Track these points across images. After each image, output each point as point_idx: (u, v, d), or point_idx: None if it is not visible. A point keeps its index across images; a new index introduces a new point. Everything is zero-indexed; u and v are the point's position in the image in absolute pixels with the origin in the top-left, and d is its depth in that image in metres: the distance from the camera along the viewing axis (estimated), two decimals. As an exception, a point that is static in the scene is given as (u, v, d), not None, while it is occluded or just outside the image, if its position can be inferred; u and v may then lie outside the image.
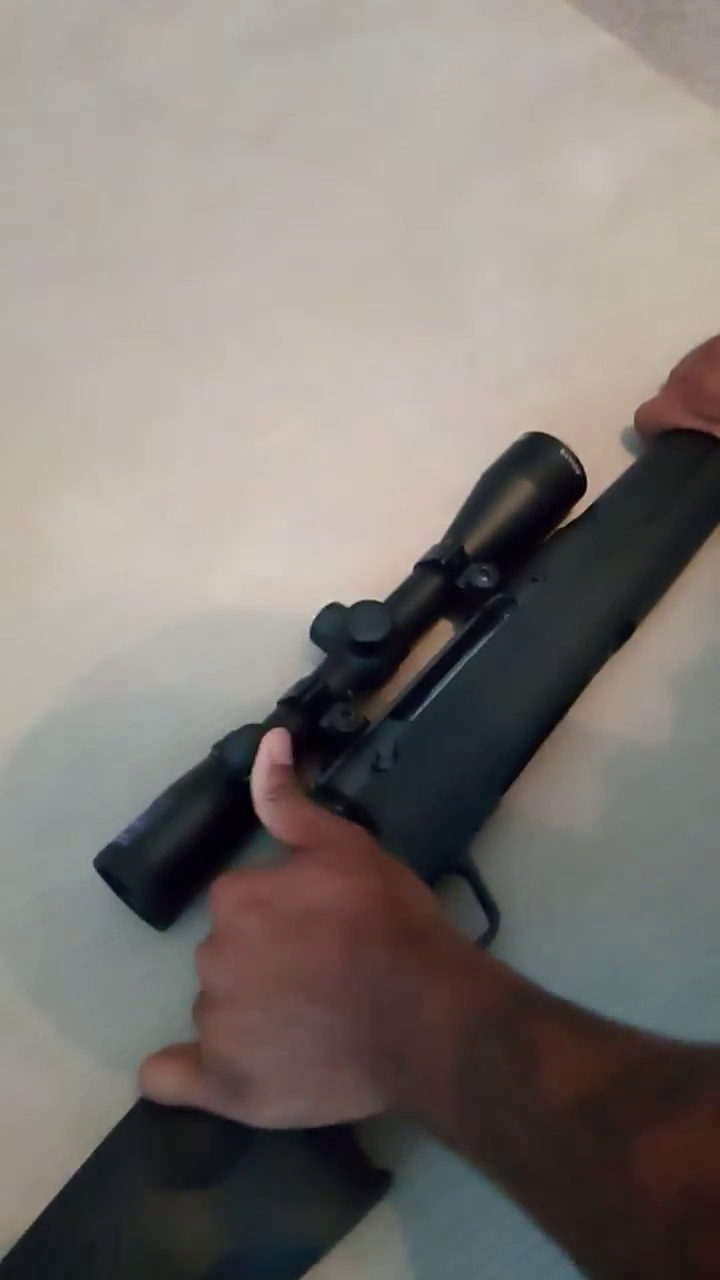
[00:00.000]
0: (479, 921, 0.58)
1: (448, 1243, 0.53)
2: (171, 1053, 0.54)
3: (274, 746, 0.58)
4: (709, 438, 0.70)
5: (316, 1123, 0.50)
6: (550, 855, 0.63)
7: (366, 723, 0.61)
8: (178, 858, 0.56)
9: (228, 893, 0.53)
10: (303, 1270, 0.51)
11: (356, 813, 0.58)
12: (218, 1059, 0.51)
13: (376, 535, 0.73)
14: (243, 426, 0.78)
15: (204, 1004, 0.52)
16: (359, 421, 0.79)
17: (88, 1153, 0.52)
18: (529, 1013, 0.46)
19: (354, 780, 0.59)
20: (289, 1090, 0.50)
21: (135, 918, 0.59)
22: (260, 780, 0.57)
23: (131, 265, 0.87)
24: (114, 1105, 0.54)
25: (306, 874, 0.52)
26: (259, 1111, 0.50)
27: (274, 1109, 0.50)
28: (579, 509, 0.70)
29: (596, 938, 0.61)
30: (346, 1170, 0.53)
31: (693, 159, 0.94)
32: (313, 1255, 0.51)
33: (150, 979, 0.57)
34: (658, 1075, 0.41)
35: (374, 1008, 0.48)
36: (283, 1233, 0.50)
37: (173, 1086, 0.53)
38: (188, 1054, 0.53)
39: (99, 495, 0.75)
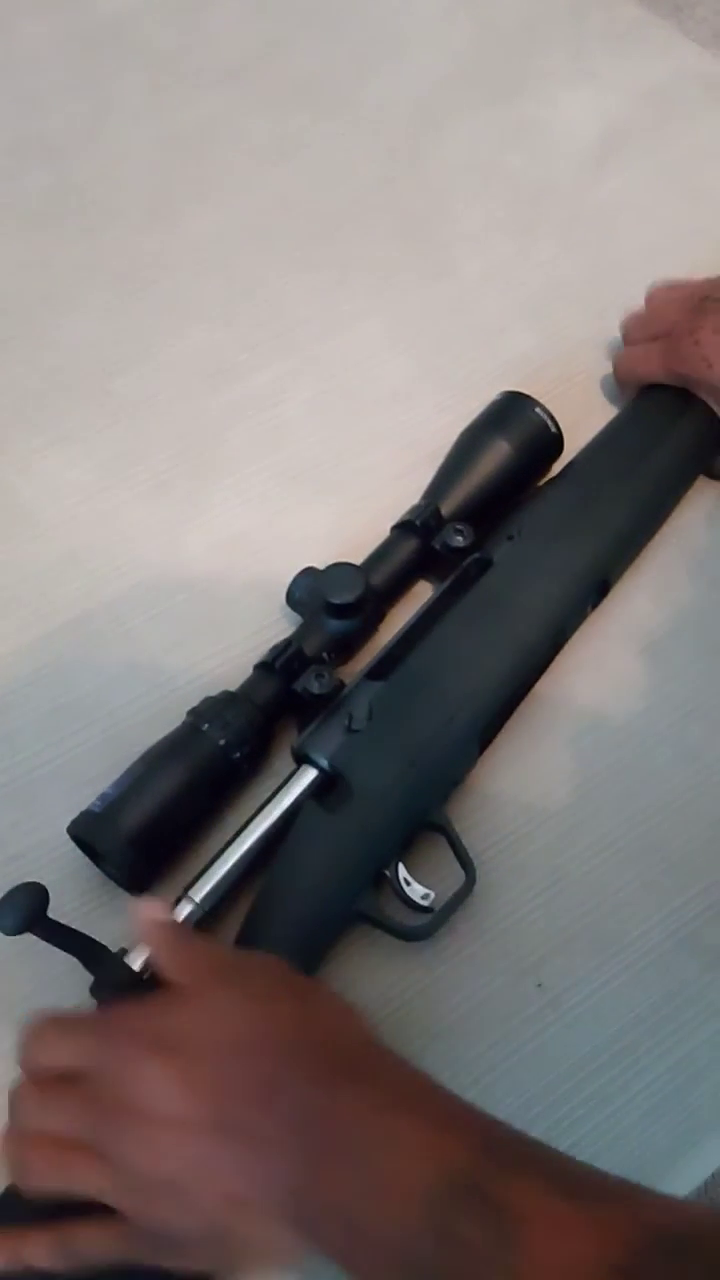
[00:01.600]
0: (456, 877, 0.59)
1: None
2: (72, 1227, 0.47)
3: (148, 910, 0.53)
4: (686, 392, 0.69)
5: (244, 1269, 0.48)
6: (526, 810, 0.63)
7: (342, 685, 0.61)
8: (151, 824, 0.56)
9: (121, 1035, 0.48)
10: None
11: (331, 775, 0.58)
12: (142, 1219, 0.45)
13: (354, 490, 0.72)
14: (217, 375, 0.77)
15: (117, 1162, 0.45)
16: (337, 370, 0.78)
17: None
18: (504, 1169, 0.41)
19: (328, 743, 0.59)
20: (222, 1242, 0.46)
21: (110, 880, 0.59)
22: (153, 933, 0.52)
23: (101, 208, 0.84)
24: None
25: (219, 1005, 0.48)
26: (191, 1264, 0.47)
27: (207, 1262, 0.47)
28: (558, 466, 0.69)
29: (574, 891, 0.61)
30: None
31: (680, 99, 0.92)
32: None
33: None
34: (668, 1273, 0.37)
35: (306, 1155, 0.43)
36: None
37: (94, 1250, 0.47)
38: (101, 1227, 0.47)
39: (69, 446, 0.74)
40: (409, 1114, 0.43)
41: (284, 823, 0.58)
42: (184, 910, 0.56)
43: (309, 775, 0.59)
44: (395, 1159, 0.42)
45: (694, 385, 0.69)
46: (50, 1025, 0.49)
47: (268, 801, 0.59)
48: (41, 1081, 0.48)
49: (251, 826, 0.58)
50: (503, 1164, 0.41)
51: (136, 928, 0.53)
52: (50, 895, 0.52)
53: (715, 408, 0.69)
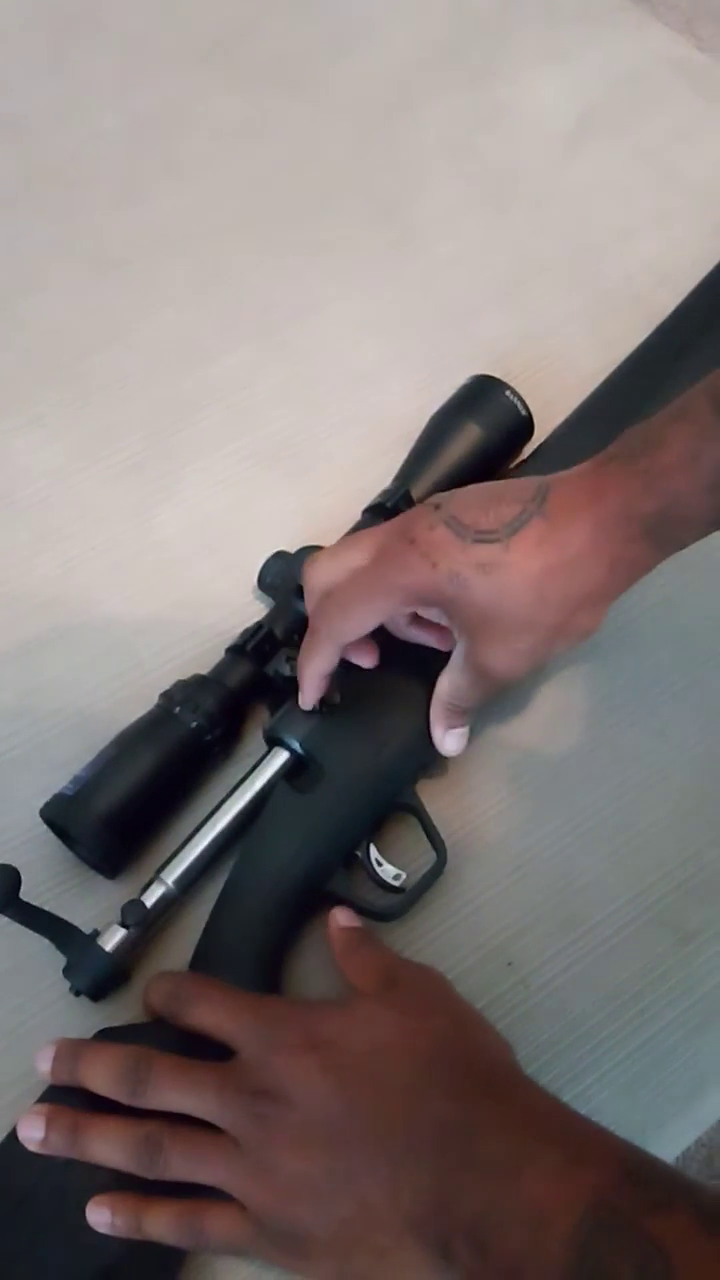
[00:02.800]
0: (427, 857, 0.59)
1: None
2: (200, 1208, 0.48)
3: (342, 918, 0.56)
4: (663, 375, 0.69)
5: None
6: (497, 790, 0.63)
7: (313, 668, 0.61)
8: (124, 807, 0.56)
9: (280, 1025, 0.49)
10: None
11: (303, 757, 0.59)
12: (272, 1217, 0.46)
13: (325, 472, 0.73)
14: (187, 356, 0.77)
15: (254, 1153, 0.47)
16: (308, 353, 0.78)
17: (37, 1094, 0.53)
18: (652, 1201, 0.40)
19: (299, 725, 0.59)
20: (347, 1252, 0.45)
21: (82, 863, 0.59)
22: (339, 936, 0.55)
23: (71, 189, 0.84)
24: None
25: (372, 1014, 0.49)
26: (314, 1270, 0.47)
27: (326, 1268, 0.47)
28: (529, 449, 0.69)
29: (545, 869, 0.62)
30: None
31: (652, 82, 0.92)
32: None
33: (100, 921, 0.57)
34: None
35: (444, 1170, 0.44)
36: None
37: (219, 1240, 0.48)
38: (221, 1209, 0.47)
39: (39, 428, 0.74)
40: (548, 1137, 0.44)
41: (256, 804, 0.58)
42: (156, 892, 0.56)
43: (281, 757, 0.59)
44: (535, 1183, 0.42)
45: (414, 597, 0.54)
46: (217, 989, 0.51)
47: (240, 784, 0.59)
48: (179, 1060, 0.49)
49: (224, 809, 0.58)
50: (648, 1196, 0.40)
51: (330, 929, 0.56)
52: (22, 878, 0.52)
53: (453, 624, 0.55)
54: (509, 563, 0.51)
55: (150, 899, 0.56)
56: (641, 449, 0.51)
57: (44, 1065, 0.51)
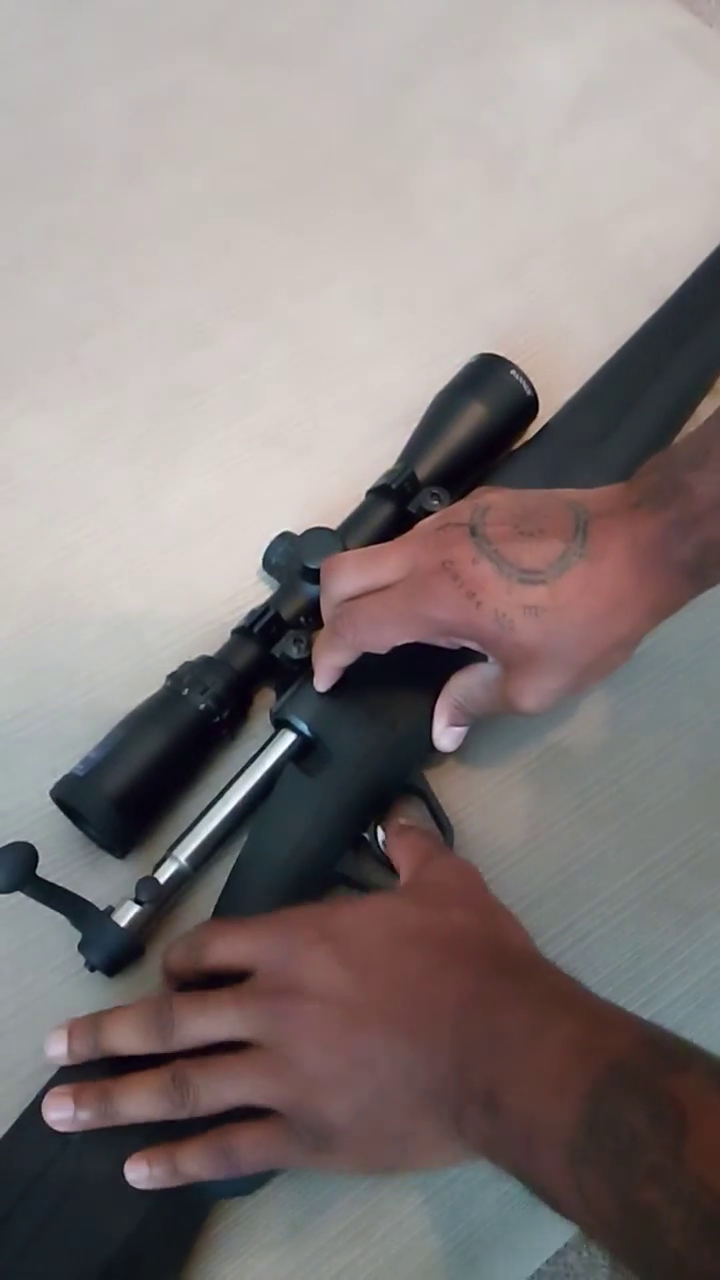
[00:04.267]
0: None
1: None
2: (228, 1130, 0.49)
3: (402, 819, 0.58)
4: (666, 355, 0.69)
5: (399, 1173, 0.49)
6: (502, 769, 0.64)
7: (319, 649, 0.61)
8: (134, 788, 0.57)
9: (295, 924, 0.50)
10: (265, 1181, 0.52)
11: (310, 739, 0.59)
12: (298, 1110, 0.47)
13: (328, 452, 0.72)
14: (189, 337, 0.77)
15: (276, 1050, 0.48)
16: (309, 333, 0.78)
17: (52, 1071, 0.53)
18: (669, 1063, 0.41)
19: (306, 708, 0.59)
20: (370, 1140, 0.47)
21: (91, 842, 0.60)
22: (393, 827, 0.58)
23: (71, 171, 0.83)
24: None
25: (389, 906, 0.51)
26: (341, 1163, 0.49)
27: (356, 1160, 0.48)
28: (534, 428, 0.69)
29: (549, 848, 0.62)
30: None
31: (654, 55, 0.91)
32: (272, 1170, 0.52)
33: (108, 899, 0.57)
34: None
35: (461, 1044, 0.45)
36: None
37: (252, 1156, 0.49)
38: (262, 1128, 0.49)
39: (40, 410, 0.74)
40: (568, 1008, 0.45)
41: (266, 784, 0.59)
42: (170, 869, 0.57)
43: (289, 739, 0.59)
44: (554, 1047, 0.42)
45: (452, 631, 0.54)
46: (230, 923, 0.53)
47: (250, 763, 0.59)
48: (195, 993, 0.50)
49: (234, 789, 0.59)
50: (665, 1059, 0.41)
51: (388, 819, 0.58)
52: None
53: (490, 654, 0.55)
54: (556, 607, 0.51)
55: (164, 875, 0.56)
56: (671, 495, 0.51)
57: (58, 1048, 0.51)
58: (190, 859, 0.57)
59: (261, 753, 0.59)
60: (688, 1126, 0.38)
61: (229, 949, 0.51)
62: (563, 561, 0.51)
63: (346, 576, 0.56)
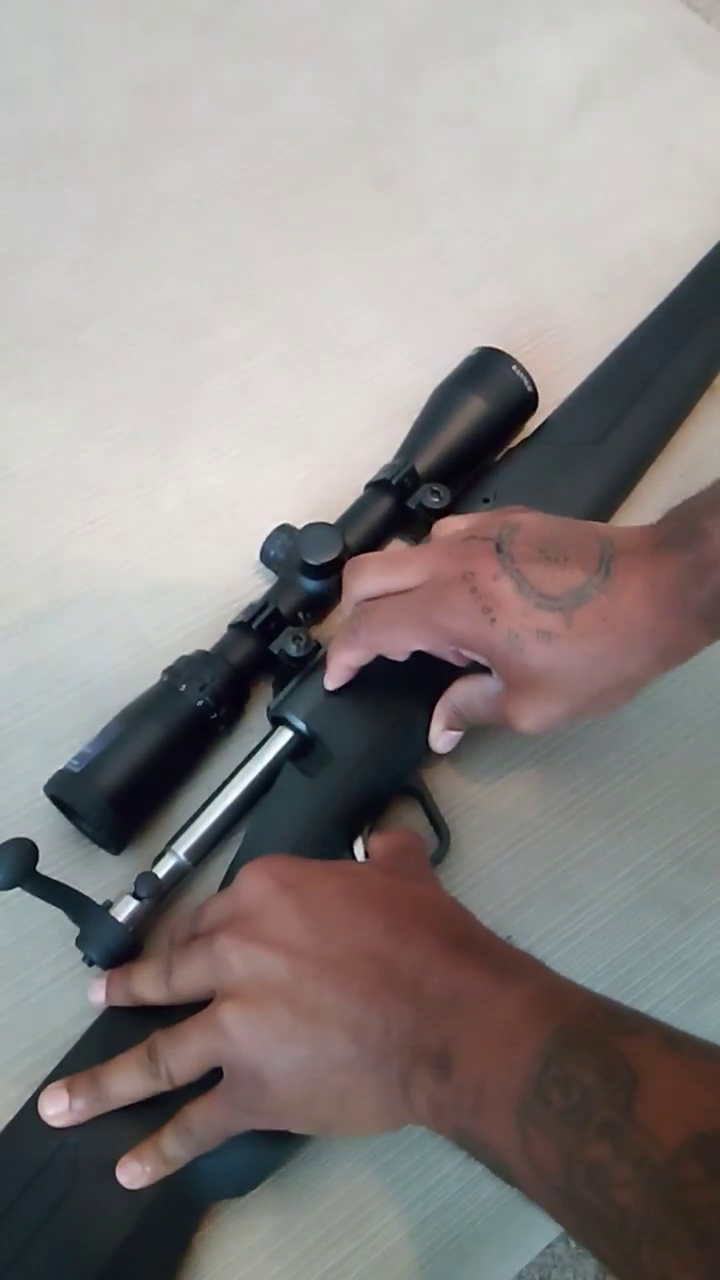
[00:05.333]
0: (430, 841, 0.59)
1: (396, 1146, 0.55)
2: (182, 1112, 0.50)
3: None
4: (665, 353, 0.69)
5: (335, 1134, 0.49)
6: (496, 767, 0.64)
7: (318, 647, 0.61)
8: (130, 784, 0.56)
9: (260, 873, 0.50)
10: (257, 1182, 0.52)
11: (308, 737, 0.59)
12: (236, 1060, 0.47)
13: (327, 445, 0.72)
14: (188, 327, 0.76)
15: (222, 995, 0.48)
16: (308, 324, 0.77)
17: (48, 1066, 0.53)
18: (620, 1028, 0.42)
19: (304, 706, 0.59)
20: (308, 1098, 0.47)
21: (85, 837, 0.59)
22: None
23: (70, 158, 0.83)
24: (70, 1020, 0.55)
25: (356, 869, 0.52)
26: (279, 1119, 0.48)
27: (293, 1116, 0.48)
28: (534, 422, 0.69)
29: (543, 845, 0.62)
30: None
31: (654, 50, 0.91)
32: (278, 1159, 0.52)
33: (103, 895, 0.57)
34: None
35: (417, 1002, 0.45)
36: (246, 1138, 0.50)
37: (203, 1127, 0.49)
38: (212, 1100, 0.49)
39: (37, 399, 0.73)
40: (527, 976, 0.45)
41: (264, 781, 0.59)
42: (168, 864, 0.57)
43: (286, 736, 0.59)
44: (510, 1008, 0.43)
45: (463, 643, 0.54)
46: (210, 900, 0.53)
47: (246, 760, 0.59)
48: (187, 945, 0.51)
49: (232, 785, 0.59)
50: (616, 1022, 0.42)
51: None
52: None
53: (497, 671, 0.55)
54: (570, 637, 0.52)
55: (162, 870, 0.56)
56: (690, 538, 0.52)
57: (98, 995, 0.53)
58: (189, 854, 0.57)
59: (260, 748, 0.59)
60: (638, 1082, 0.38)
61: (214, 906, 0.52)
62: (583, 592, 0.52)
63: (368, 577, 0.56)
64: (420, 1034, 0.44)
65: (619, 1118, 0.38)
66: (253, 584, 0.66)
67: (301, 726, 0.59)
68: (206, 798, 0.59)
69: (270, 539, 0.65)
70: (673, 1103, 0.38)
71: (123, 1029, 0.53)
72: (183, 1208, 0.51)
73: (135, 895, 0.55)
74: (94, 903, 0.55)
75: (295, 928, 0.48)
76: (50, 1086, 0.51)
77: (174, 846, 0.57)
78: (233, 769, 0.59)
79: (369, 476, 0.67)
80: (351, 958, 0.47)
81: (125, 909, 0.55)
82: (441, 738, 0.59)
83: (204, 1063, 0.49)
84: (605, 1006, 0.44)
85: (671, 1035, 0.42)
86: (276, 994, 0.47)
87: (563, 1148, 0.39)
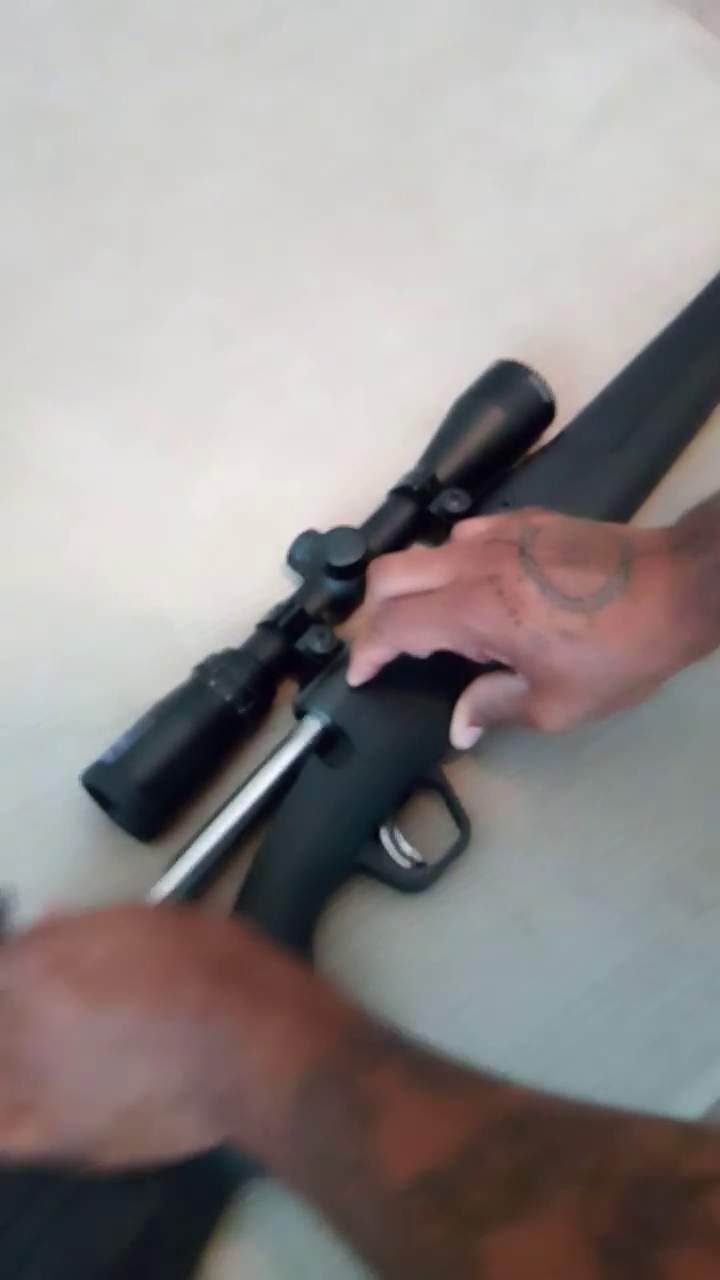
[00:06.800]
0: (450, 829, 0.61)
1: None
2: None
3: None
4: (682, 362, 0.71)
5: (171, 1160, 0.48)
6: (518, 761, 0.65)
7: (342, 644, 0.62)
8: (161, 775, 0.58)
9: (27, 958, 0.49)
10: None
11: (332, 731, 0.60)
12: (58, 1132, 0.47)
13: (351, 454, 0.74)
14: (218, 340, 0.79)
15: (26, 1086, 0.48)
16: (334, 337, 0.79)
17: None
18: (366, 1060, 0.43)
19: (329, 701, 0.61)
20: (139, 1141, 0.47)
21: (119, 828, 0.61)
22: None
23: (105, 176, 0.85)
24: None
25: (102, 921, 0.50)
26: (112, 1163, 0.48)
27: (125, 1158, 0.48)
28: (551, 432, 0.71)
29: (563, 839, 0.63)
30: None
31: (671, 70, 0.93)
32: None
33: (134, 885, 0.59)
34: (510, 1156, 0.37)
35: (201, 1049, 0.45)
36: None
37: (17, 1152, 0.48)
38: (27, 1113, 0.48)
39: (74, 409, 0.76)
40: (282, 1006, 0.46)
41: (288, 775, 0.60)
42: (201, 849, 0.58)
43: (312, 728, 0.61)
44: (268, 1047, 0.44)
45: (488, 644, 0.55)
46: None
47: (272, 755, 0.61)
48: None
49: (258, 778, 0.60)
50: (365, 1053, 0.43)
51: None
52: (60, 840, 0.56)
53: (520, 672, 0.56)
54: (593, 638, 0.53)
55: (194, 856, 0.58)
56: (708, 539, 0.53)
57: None
58: (218, 843, 0.58)
59: (284, 744, 0.61)
60: (378, 1120, 0.39)
61: None
62: (604, 593, 0.53)
63: (393, 576, 0.58)
64: (212, 1078, 0.45)
65: (362, 1157, 0.39)
66: (280, 586, 0.68)
67: (326, 719, 0.60)
68: (235, 789, 0.60)
69: (296, 543, 0.67)
70: (407, 1139, 0.38)
71: None
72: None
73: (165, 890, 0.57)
74: None
75: (76, 1007, 0.47)
76: None
77: (204, 832, 0.59)
78: (259, 762, 0.61)
79: (392, 484, 0.69)
80: (130, 1021, 0.46)
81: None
82: (463, 734, 0.61)
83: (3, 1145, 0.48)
84: (355, 1035, 0.44)
85: (417, 1063, 0.42)
86: (79, 1072, 0.47)
87: (322, 1192, 0.40)
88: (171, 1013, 0.46)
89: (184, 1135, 0.47)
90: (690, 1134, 0.36)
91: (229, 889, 0.59)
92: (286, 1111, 0.42)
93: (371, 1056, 0.43)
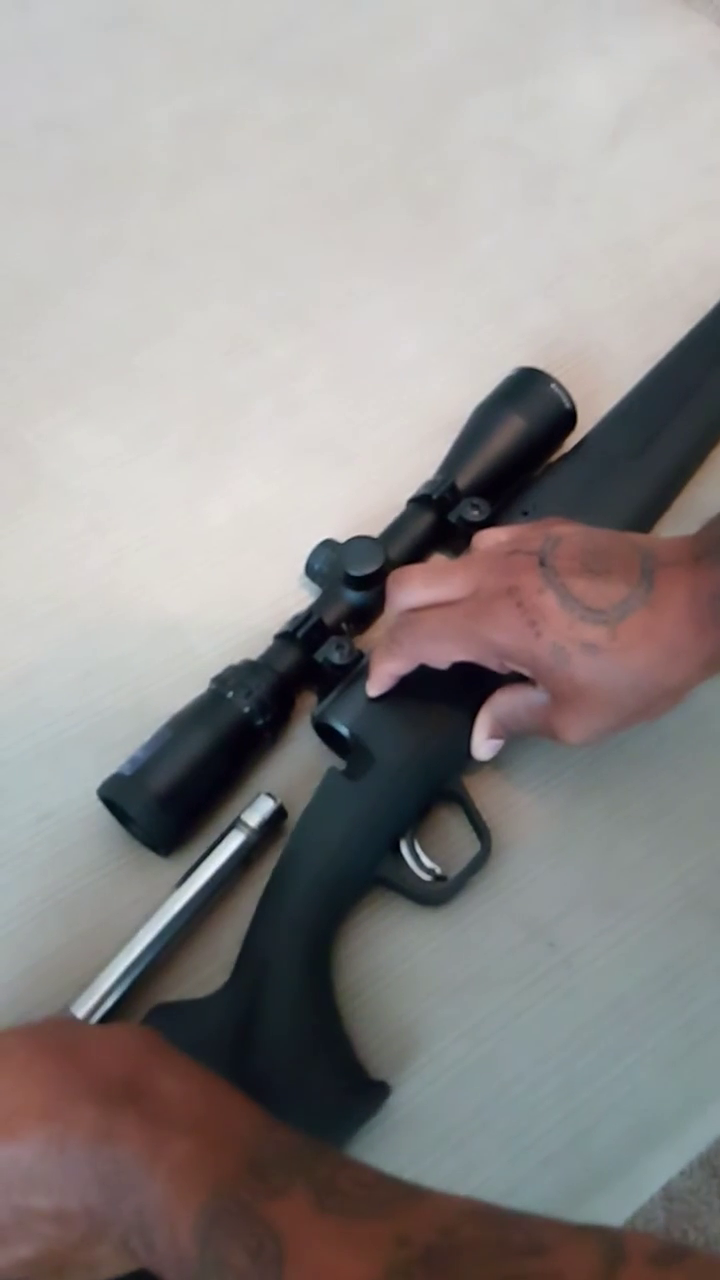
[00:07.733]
0: (471, 841, 0.61)
1: (440, 1149, 0.56)
2: None
3: None
4: (701, 370, 0.70)
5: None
6: (539, 775, 0.64)
7: (361, 655, 0.62)
8: (179, 787, 0.58)
9: None
10: None
11: (351, 743, 0.60)
12: None
13: (370, 462, 0.74)
14: (236, 349, 0.78)
15: None
16: (353, 345, 0.79)
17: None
18: (272, 1185, 0.40)
19: (348, 712, 0.60)
20: (62, 1273, 0.45)
21: (135, 840, 0.61)
22: None
23: (123, 186, 0.86)
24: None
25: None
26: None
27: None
28: (572, 440, 0.70)
29: (586, 853, 0.63)
30: (346, 1082, 0.55)
31: (692, 75, 0.92)
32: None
33: (151, 897, 0.58)
34: None
35: (101, 1180, 0.42)
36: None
37: None
38: None
39: (93, 419, 0.76)
40: (181, 1129, 0.43)
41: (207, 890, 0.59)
42: (238, 838, 0.58)
43: (235, 842, 0.59)
44: (164, 1180, 0.41)
45: (508, 656, 0.55)
46: None
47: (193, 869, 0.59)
48: None
49: (170, 903, 0.58)
50: (271, 1176, 0.40)
51: None
52: (77, 852, 0.56)
53: (542, 684, 0.56)
54: (615, 650, 0.52)
55: (231, 844, 0.58)
56: None
57: None
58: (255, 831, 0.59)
59: (210, 853, 0.59)
60: (286, 1259, 0.37)
61: None
62: (626, 605, 0.52)
63: (412, 588, 0.57)
64: (116, 1211, 0.42)
65: None
66: (298, 596, 0.68)
67: (345, 731, 0.60)
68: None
69: (315, 553, 0.66)
70: (320, 1276, 0.37)
71: None
72: None
73: None
74: None
75: None
76: None
77: (245, 817, 0.59)
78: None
79: (411, 493, 0.68)
80: (26, 1163, 0.43)
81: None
82: (484, 745, 0.60)
83: None
84: (259, 1155, 0.41)
85: (326, 1184, 0.40)
86: None
87: None
88: (66, 1141, 0.43)
89: (105, 1264, 0.44)
90: (611, 1262, 0.34)
91: (248, 902, 0.59)
92: (191, 1251, 0.39)
93: (278, 1179, 0.40)
